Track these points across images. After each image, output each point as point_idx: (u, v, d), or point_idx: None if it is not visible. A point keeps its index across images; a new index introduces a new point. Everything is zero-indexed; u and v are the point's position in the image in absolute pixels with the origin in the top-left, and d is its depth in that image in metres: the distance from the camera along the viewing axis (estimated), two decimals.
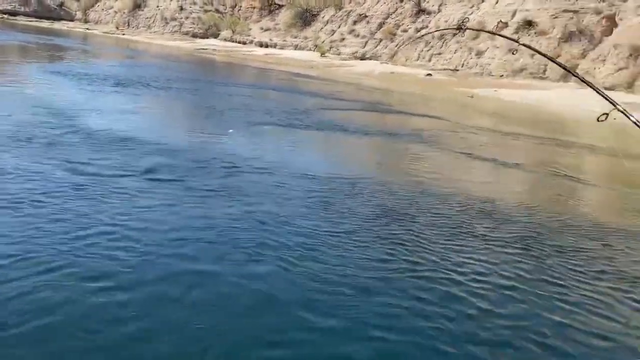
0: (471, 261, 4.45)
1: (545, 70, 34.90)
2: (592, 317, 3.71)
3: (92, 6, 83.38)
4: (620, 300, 4.05)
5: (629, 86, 29.39)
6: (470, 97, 26.68)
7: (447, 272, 4.20)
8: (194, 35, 67.07)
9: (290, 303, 3.45)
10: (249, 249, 4.24)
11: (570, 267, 4.53)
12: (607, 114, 2.52)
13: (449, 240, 4.92)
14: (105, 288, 3.42)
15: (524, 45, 3.82)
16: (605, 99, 2.67)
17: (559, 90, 30.92)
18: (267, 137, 10.14)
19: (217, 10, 71.58)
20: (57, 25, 73.40)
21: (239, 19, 68.61)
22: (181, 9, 70.62)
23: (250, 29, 65.89)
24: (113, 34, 69.17)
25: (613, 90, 30.08)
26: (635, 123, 2.47)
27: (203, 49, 54.68)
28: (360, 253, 4.41)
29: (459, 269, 4.27)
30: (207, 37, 66.13)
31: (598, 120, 2.50)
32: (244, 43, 61.89)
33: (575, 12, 35.85)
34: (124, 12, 77.15)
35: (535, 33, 36.61)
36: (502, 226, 5.49)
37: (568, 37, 34.83)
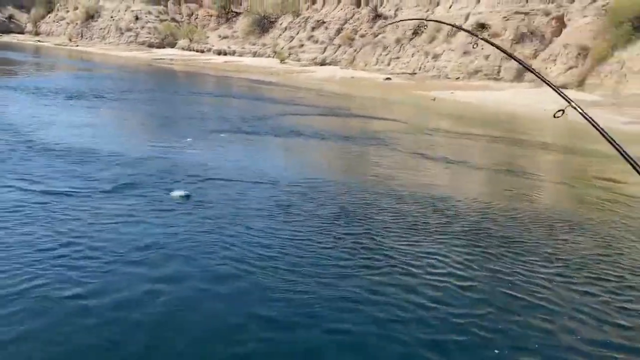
0: (425, 253, 4.53)
1: (499, 71, 35.82)
2: (536, 300, 3.83)
3: (43, 18, 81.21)
4: (562, 285, 4.16)
5: (579, 84, 30.46)
6: (432, 100, 27.14)
7: (403, 264, 4.25)
8: (151, 45, 66.11)
9: (245, 297, 3.45)
10: (211, 254, 4.19)
11: (515, 255, 4.66)
12: (563, 110, 2.61)
13: (404, 234, 4.98)
14: (70, 295, 3.32)
15: (483, 39, 3.92)
16: (560, 95, 2.74)
17: (513, 90, 31.81)
18: (226, 145, 10.06)
19: (174, 19, 70.79)
20: (6, 38, 71.19)
21: (196, 27, 68.04)
22: (136, 18, 69.52)
23: (207, 37, 65.42)
24: (66, 45, 67.51)
25: (565, 88, 31.17)
26: (588, 119, 2.54)
27: (160, 58, 53.94)
28: (320, 250, 4.41)
29: (414, 262, 4.33)
30: (164, 47, 65.29)
31: (555, 117, 2.57)
32: (202, 51, 61.38)
33: (526, 13, 36.98)
34: (76, 24, 75.33)
35: (488, 35, 37.52)
36: (454, 220, 5.59)
37: (520, 39, 35.87)
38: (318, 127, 13.49)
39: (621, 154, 2.25)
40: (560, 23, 35.43)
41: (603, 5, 32.73)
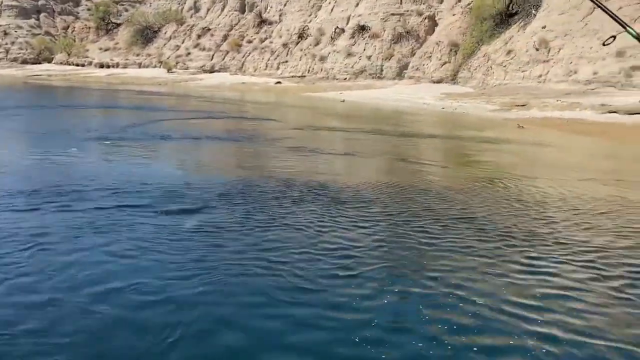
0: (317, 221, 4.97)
1: (382, 70, 37.81)
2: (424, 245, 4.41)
3: None
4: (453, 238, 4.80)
5: (453, 78, 33.00)
6: (342, 102, 28.10)
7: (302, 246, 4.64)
8: (25, 62, 61.78)
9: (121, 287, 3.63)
10: (98, 265, 4.25)
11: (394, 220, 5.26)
12: (614, 37, 2.57)
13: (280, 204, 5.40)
14: None
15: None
16: (616, 20, 2.60)
17: (396, 87, 33.76)
18: (113, 153, 9.99)
19: (48, 33, 66.62)
20: None
21: (74, 40, 64.57)
22: (5, 34, 64.55)
23: (87, 50, 62.33)
24: None
25: (441, 82, 33.68)
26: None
27: (37, 75, 50.62)
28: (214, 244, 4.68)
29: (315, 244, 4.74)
30: (40, 62, 61.31)
31: (604, 44, 2.59)
32: (83, 65, 58.39)
33: (401, 14, 39.30)
34: None
35: (369, 36, 39.45)
36: (338, 192, 6.13)
37: (398, 38, 38.05)
38: (200, 131, 13.67)
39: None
40: (433, 22, 38.06)
41: (468, 4, 35.63)
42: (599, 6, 2.62)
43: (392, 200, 6.58)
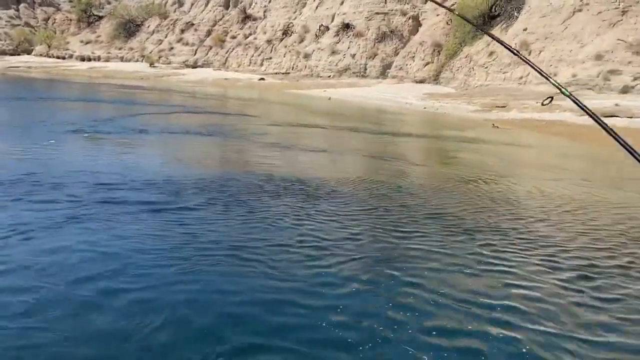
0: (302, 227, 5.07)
1: (366, 69, 37.99)
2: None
3: None
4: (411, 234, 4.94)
5: (435, 78, 33.31)
6: (328, 99, 28.18)
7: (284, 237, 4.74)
8: (3, 53, 60.66)
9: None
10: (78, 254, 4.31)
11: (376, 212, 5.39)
12: (551, 98, 2.55)
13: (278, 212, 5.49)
14: None
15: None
16: (551, 82, 2.65)
17: (379, 86, 33.99)
18: (92, 145, 9.97)
19: (28, 24, 65.58)
20: None
21: (55, 32, 63.65)
22: None
23: (68, 43, 61.50)
24: None
25: (423, 82, 33.99)
26: (581, 107, 2.44)
27: (15, 66, 49.81)
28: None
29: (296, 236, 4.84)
30: (19, 54, 60.31)
31: (543, 104, 2.68)
32: (63, 58, 57.62)
33: (385, 14, 39.52)
34: None
35: (353, 35, 39.60)
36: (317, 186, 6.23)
37: (382, 37, 38.26)
38: (178, 125, 13.66)
39: (621, 144, 2.22)
40: (417, 22, 38.35)
41: (452, 5, 35.96)
42: (536, 70, 2.79)
43: (367, 196, 6.70)
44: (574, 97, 2.56)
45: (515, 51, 3.02)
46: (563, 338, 3.13)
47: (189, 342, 3.00)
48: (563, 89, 2.54)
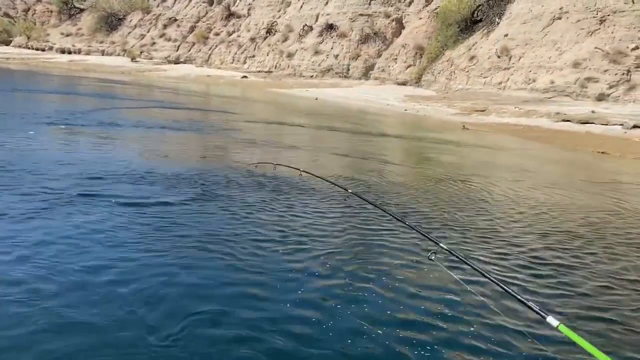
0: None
1: (348, 70, 38.09)
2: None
3: None
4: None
5: (417, 81, 33.55)
6: (315, 99, 28.13)
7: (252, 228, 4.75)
8: None
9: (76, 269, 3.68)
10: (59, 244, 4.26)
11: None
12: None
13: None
14: None
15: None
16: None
17: (361, 87, 34.10)
18: (70, 137, 9.86)
19: (7, 15, 64.43)
20: None
21: (34, 23, 62.59)
22: None
23: (48, 35, 60.53)
24: None
25: (405, 85, 34.21)
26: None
27: None
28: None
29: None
30: None
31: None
32: (43, 50, 56.68)
33: (369, 15, 39.67)
34: None
35: (337, 35, 39.68)
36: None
37: (365, 39, 38.40)
38: (156, 121, 13.56)
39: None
40: (400, 25, 38.57)
41: (435, 9, 36.28)
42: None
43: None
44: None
45: None
46: (508, 328, 3.22)
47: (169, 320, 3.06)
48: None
